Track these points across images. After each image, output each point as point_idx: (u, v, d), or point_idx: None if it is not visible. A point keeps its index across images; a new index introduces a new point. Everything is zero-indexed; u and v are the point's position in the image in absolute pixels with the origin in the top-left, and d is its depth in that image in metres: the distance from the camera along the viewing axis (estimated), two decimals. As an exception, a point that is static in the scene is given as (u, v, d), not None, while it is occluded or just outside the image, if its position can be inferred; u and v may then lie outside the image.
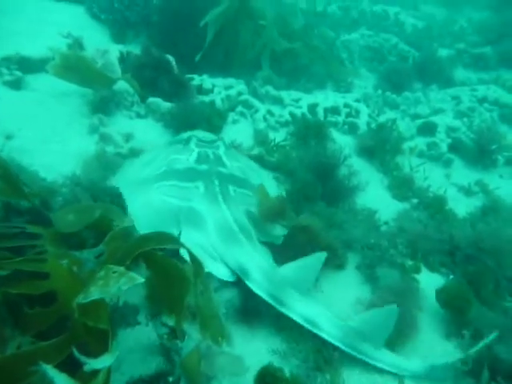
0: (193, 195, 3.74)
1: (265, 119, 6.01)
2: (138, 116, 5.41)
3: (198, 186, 3.82)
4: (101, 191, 3.56)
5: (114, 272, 2.00)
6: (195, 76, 6.62)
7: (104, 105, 5.14)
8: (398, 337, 3.03)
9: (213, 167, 4.06)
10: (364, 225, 4.11)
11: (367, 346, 2.87)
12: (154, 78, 5.79)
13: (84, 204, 2.93)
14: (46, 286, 2.27)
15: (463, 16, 14.16)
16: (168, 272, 2.39)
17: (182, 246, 2.39)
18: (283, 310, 2.96)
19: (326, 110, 6.39)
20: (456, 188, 5.74)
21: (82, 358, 1.87)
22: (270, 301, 2.98)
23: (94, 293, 1.97)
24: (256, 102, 6.19)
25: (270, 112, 6.14)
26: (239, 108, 6.08)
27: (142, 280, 2.11)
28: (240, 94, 6.28)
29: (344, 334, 2.87)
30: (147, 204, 3.67)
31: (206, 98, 5.99)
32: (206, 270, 2.92)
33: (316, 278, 3.21)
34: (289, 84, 7.66)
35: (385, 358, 2.89)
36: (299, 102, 6.52)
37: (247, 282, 3.07)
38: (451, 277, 3.70)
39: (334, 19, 11.44)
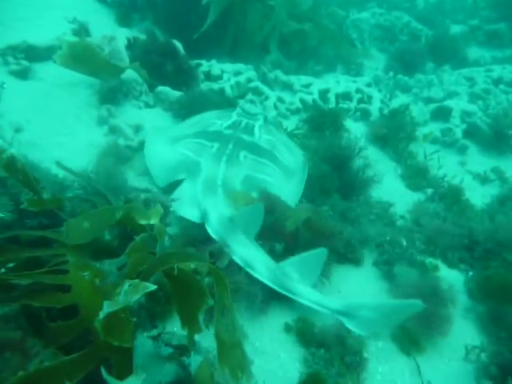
0: (205, 152, 4.17)
1: (275, 107, 5.88)
2: (147, 106, 5.29)
3: (213, 146, 4.22)
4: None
5: (130, 285, 1.97)
6: (203, 61, 6.47)
7: (112, 95, 5.02)
8: (434, 329, 3.04)
9: (236, 133, 4.39)
10: (380, 219, 4.05)
11: (294, 285, 3.08)
12: (160, 65, 5.64)
13: (102, 208, 2.86)
14: (68, 299, 2.24)
15: (476, -11, 13.68)
16: (185, 283, 2.34)
17: (207, 263, 2.33)
18: (226, 249, 3.26)
19: (337, 96, 6.24)
20: (471, 176, 5.63)
21: (110, 379, 1.86)
22: (219, 242, 3.32)
23: (106, 308, 1.94)
24: (266, 89, 6.04)
25: (280, 99, 6.01)
26: (249, 95, 5.95)
27: (154, 287, 2.08)
28: (250, 80, 6.13)
29: (274, 274, 3.12)
30: (169, 153, 4.26)
31: (216, 86, 5.85)
32: (179, 212, 3.65)
33: (259, 226, 3.40)
34: (298, 68, 7.49)
35: (309, 296, 3.05)
36: (309, 87, 6.36)
37: (206, 225, 3.47)
38: (471, 273, 3.64)
39: (343, -5, 11.09)
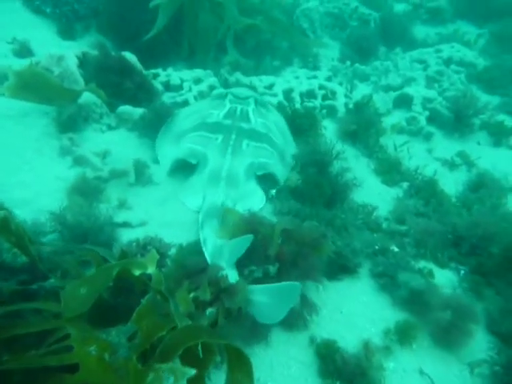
0: (210, 144, 4.53)
1: (242, 113, 5.73)
2: (110, 128, 5.00)
3: (217, 138, 4.59)
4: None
5: (163, 371, 1.84)
6: (160, 71, 6.19)
7: (72, 122, 4.70)
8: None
9: (235, 122, 4.74)
10: (366, 225, 4.07)
11: (223, 263, 3.31)
12: (117, 82, 5.31)
13: (98, 269, 2.67)
14: (77, 380, 2.08)
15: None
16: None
17: (234, 347, 2.20)
18: (200, 231, 3.72)
19: (301, 95, 6.18)
20: (440, 162, 5.76)
21: None
22: (199, 224, 3.81)
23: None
24: (229, 95, 5.86)
25: (246, 104, 5.85)
26: (214, 104, 5.75)
27: (193, 372, 1.96)
28: (212, 87, 5.94)
29: (213, 254, 3.46)
30: (178, 148, 4.60)
31: (179, 98, 5.62)
32: (184, 201, 4.26)
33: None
34: (257, 66, 7.33)
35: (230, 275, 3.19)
36: (273, 88, 6.25)
37: (200, 211, 3.96)
38: (462, 272, 3.72)
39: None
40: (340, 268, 3.59)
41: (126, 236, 3.83)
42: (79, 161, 4.42)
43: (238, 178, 4.34)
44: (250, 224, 3.59)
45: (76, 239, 3.57)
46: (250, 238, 3.37)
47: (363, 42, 8.51)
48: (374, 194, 4.95)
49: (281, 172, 4.62)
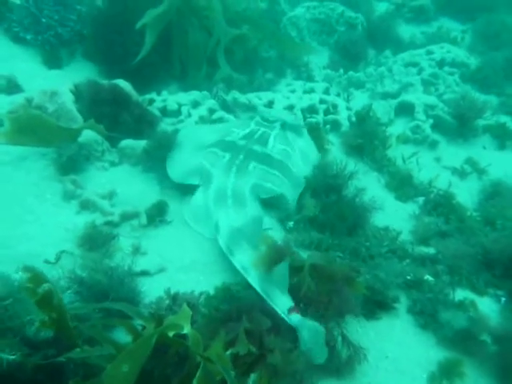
0: (218, 162, 4.46)
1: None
2: (113, 165, 4.75)
3: (225, 156, 4.50)
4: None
5: None
6: (154, 95, 5.96)
7: (73, 163, 4.44)
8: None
9: (249, 144, 4.64)
10: (393, 252, 3.95)
11: (275, 293, 3.17)
12: (114, 115, 5.05)
13: (138, 342, 2.48)
14: None
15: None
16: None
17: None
18: (230, 257, 3.56)
19: (303, 111, 6.02)
20: (449, 171, 5.69)
21: None
22: (225, 250, 3.64)
23: None
24: (232, 118, 5.68)
25: (248, 126, 5.68)
26: (216, 128, 5.56)
27: None
28: (212, 110, 5.73)
29: (262, 280, 3.27)
30: (190, 162, 4.55)
31: (180, 125, 5.39)
32: (194, 227, 4.15)
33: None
34: (250, 81, 7.14)
35: (282, 306, 3.11)
36: (273, 106, 6.09)
37: (217, 236, 3.80)
38: (503, 299, 3.60)
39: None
40: (376, 304, 3.45)
41: (146, 286, 3.61)
42: (86, 205, 4.18)
43: (244, 197, 4.23)
44: (282, 253, 3.41)
45: (95, 296, 3.36)
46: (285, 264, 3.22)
47: (351, 46, 8.41)
48: (390, 212, 4.83)
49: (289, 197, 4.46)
